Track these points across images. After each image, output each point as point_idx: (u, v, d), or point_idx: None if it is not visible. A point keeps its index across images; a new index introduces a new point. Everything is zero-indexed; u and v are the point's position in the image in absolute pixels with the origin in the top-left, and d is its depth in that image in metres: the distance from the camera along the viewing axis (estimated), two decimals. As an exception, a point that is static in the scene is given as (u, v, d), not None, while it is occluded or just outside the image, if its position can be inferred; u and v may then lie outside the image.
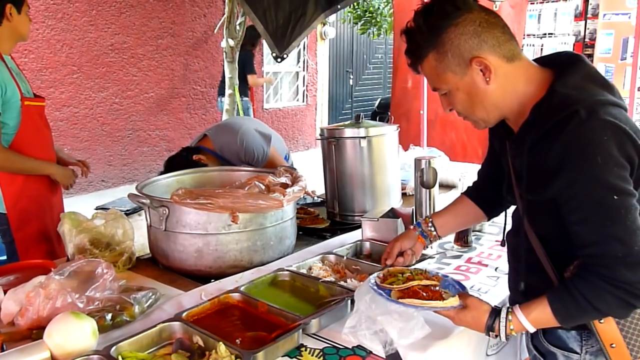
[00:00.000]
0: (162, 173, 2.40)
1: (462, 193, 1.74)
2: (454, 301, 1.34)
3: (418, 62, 1.32)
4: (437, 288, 1.41)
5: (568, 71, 1.24)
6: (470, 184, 1.73)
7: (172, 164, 2.52)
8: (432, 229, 1.68)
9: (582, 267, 1.21)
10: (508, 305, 1.32)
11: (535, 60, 1.34)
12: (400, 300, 1.35)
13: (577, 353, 1.34)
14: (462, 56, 1.24)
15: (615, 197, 1.12)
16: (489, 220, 1.77)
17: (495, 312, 1.30)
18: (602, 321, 1.25)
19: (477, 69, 1.24)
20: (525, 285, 1.38)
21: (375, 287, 1.39)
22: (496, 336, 1.29)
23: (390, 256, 1.65)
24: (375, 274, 1.48)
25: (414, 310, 1.34)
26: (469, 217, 1.72)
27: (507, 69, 1.26)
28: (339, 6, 3.73)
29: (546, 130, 1.19)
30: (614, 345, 1.26)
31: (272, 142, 2.73)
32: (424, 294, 1.38)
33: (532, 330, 1.28)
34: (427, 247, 1.73)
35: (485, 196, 1.66)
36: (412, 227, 1.72)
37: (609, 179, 1.12)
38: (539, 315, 1.25)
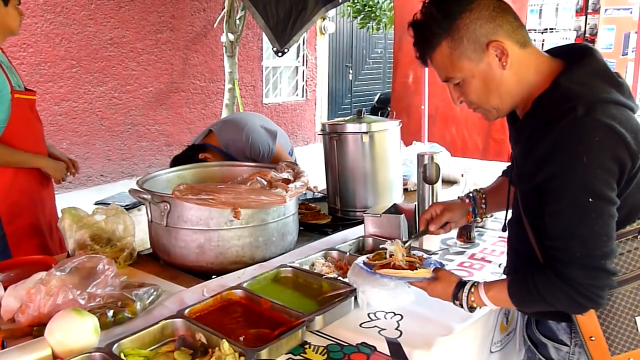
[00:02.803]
0: None
1: (501, 175, 1.72)
2: (425, 272, 1.45)
3: (430, 52, 1.30)
4: (417, 265, 1.50)
5: (576, 65, 1.23)
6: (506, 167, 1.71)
7: (178, 163, 2.49)
8: (484, 206, 1.67)
9: (545, 259, 1.24)
10: (475, 280, 1.38)
11: (549, 50, 1.33)
12: (378, 272, 1.47)
13: (566, 345, 1.36)
14: (478, 41, 1.23)
15: (590, 199, 1.13)
16: None
17: (462, 284, 1.38)
18: (583, 313, 1.26)
19: (494, 54, 1.24)
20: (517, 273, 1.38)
21: (361, 264, 1.54)
22: (460, 305, 1.37)
23: (436, 222, 1.65)
24: (365, 256, 1.61)
25: (389, 279, 1.47)
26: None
27: (521, 55, 1.25)
28: (339, 0, 3.71)
29: (544, 122, 1.19)
30: (593, 338, 1.28)
31: (277, 138, 2.72)
32: (403, 268, 1.49)
33: (492, 307, 1.37)
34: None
35: None
36: (466, 200, 1.68)
37: (589, 181, 1.13)
38: (497, 294, 1.32)
